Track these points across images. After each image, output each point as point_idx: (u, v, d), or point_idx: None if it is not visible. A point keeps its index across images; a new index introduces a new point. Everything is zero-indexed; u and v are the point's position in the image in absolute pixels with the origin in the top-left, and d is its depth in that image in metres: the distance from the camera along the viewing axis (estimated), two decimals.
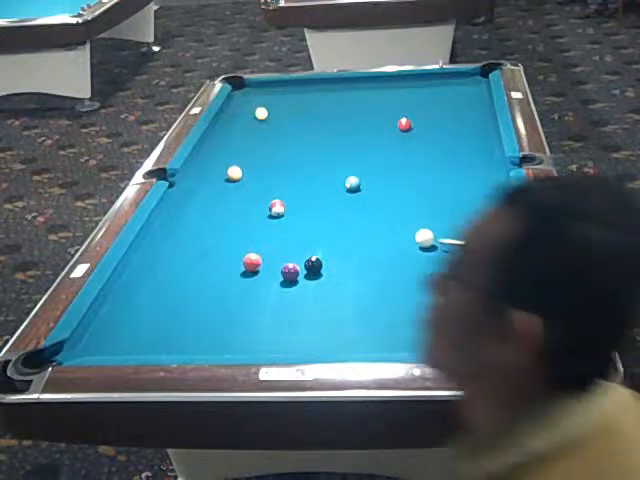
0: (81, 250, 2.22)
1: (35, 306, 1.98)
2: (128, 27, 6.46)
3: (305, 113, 3.28)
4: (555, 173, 2.41)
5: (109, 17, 5.66)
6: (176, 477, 2.49)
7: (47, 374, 1.69)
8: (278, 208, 2.38)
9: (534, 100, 3.03)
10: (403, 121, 2.95)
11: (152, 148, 3.00)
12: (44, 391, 1.66)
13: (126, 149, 5.24)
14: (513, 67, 3.36)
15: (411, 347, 1.73)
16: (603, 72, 5.78)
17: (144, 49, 7.20)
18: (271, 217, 2.38)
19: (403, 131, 2.94)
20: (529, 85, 3.18)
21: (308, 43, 5.34)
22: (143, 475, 2.63)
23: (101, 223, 2.37)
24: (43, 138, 5.39)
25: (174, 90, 6.25)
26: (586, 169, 4.40)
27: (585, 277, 0.76)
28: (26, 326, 1.88)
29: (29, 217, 4.33)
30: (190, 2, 8.65)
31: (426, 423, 1.63)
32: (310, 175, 2.69)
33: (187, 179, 2.68)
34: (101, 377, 1.70)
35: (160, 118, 5.69)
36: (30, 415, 1.70)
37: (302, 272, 2.06)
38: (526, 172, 2.39)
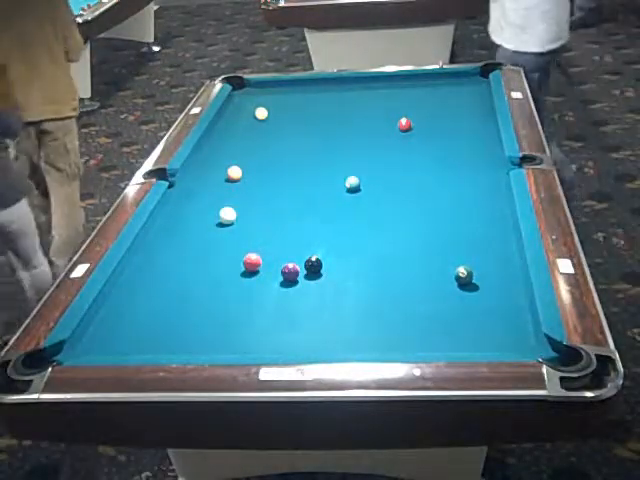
0: (81, 250, 2.22)
1: (35, 306, 1.98)
2: (128, 27, 6.46)
3: (305, 113, 3.28)
4: (555, 173, 2.41)
5: (109, 17, 5.66)
6: (176, 477, 2.49)
7: (47, 374, 1.69)
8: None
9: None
10: (403, 121, 2.95)
11: (152, 148, 3.01)
12: (44, 391, 1.66)
13: (126, 149, 5.25)
14: (513, 67, 3.36)
15: (411, 347, 1.75)
16: (603, 72, 5.78)
17: (144, 49, 7.21)
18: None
19: (403, 131, 2.94)
20: None
21: (308, 43, 5.34)
22: (143, 475, 2.63)
23: (101, 223, 2.37)
24: None
25: (174, 90, 6.26)
26: (586, 169, 4.40)
27: None
28: (26, 326, 1.88)
29: None
30: (190, 2, 8.65)
31: (426, 423, 1.63)
32: (310, 175, 2.69)
33: (187, 179, 2.68)
34: (101, 377, 1.70)
35: (160, 118, 5.70)
36: (30, 415, 1.70)
37: (302, 272, 2.06)
38: (526, 172, 2.39)
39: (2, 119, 2.87)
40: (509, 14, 3.41)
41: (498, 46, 3.56)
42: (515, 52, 3.40)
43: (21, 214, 3.00)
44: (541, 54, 3.41)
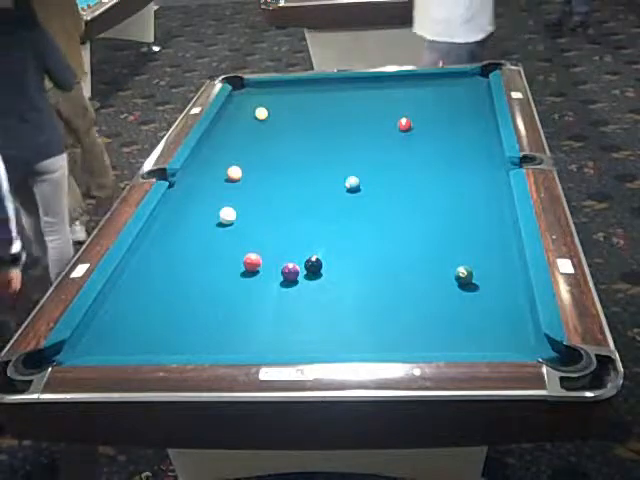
0: (81, 250, 2.22)
1: (35, 306, 1.98)
2: (128, 27, 6.47)
3: (305, 113, 3.28)
4: (555, 173, 2.41)
5: (109, 17, 5.66)
6: (176, 477, 2.49)
7: (47, 374, 1.69)
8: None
9: (534, 100, 3.03)
10: (403, 121, 2.95)
11: (152, 148, 3.01)
12: (44, 391, 1.66)
13: (126, 149, 5.25)
14: (513, 67, 3.36)
15: (411, 347, 1.74)
16: (603, 72, 5.78)
17: (144, 49, 7.21)
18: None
19: (403, 131, 2.94)
20: (529, 85, 3.18)
21: (308, 43, 5.34)
22: (143, 475, 2.63)
23: (101, 223, 2.37)
24: None
25: (174, 90, 6.26)
26: (586, 169, 4.40)
27: None
28: (26, 326, 1.88)
29: None
30: (190, 2, 8.66)
31: (426, 423, 1.63)
32: (310, 175, 2.69)
33: (187, 179, 2.68)
34: (101, 377, 1.70)
35: (160, 118, 5.70)
36: (30, 415, 1.70)
37: (302, 272, 2.06)
38: (526, 172, 2.39)
39: (68, 72, 3.36)
40: (458, 10, 3.84)
41: (432, 42, 3.95)
42: (460, 44, 3.86)
43: (64, 165, 3.27)
44: (482, 40, 3.89)
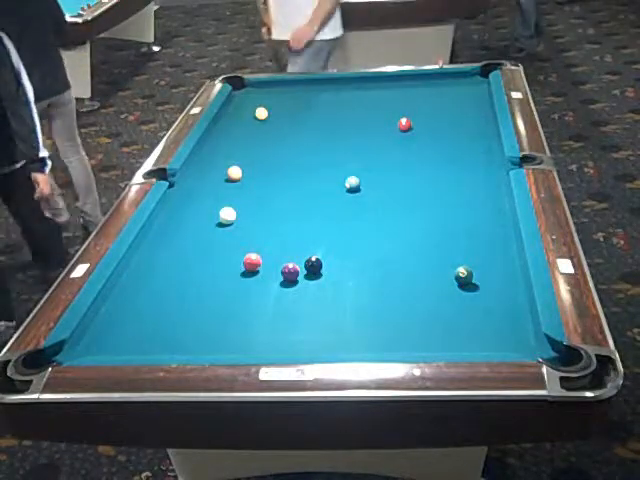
0: (81, 250, 2.22)
1: (35, 306, 1.98)
2: (128, 27, 6.46)
3: (305, 113, 3.28)
4: (555, 173, 2.41)
5: (109, 17, 5.66)
6: (176, 477, 2.49)
7: (47, 374, 1.69)
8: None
9: (534, 100, 3.03)
10: (403, 121, 2.95)
11: (152, 148, 3.01)
12: (44, 391, 1.66)
13: (126, 149, 5.25)
14: (513, 67, 3.36)
15: (411, 347, 1.74)
16: (603, 72, 5.78)
17: (144, 49, 7.21)
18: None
19: (403, 131, 2.94)
20: (529, 85, 3.19)
21: None
22: (143, 475, 2.63)
23: (101, 223, 2.37)
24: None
25: (174, 90, 6.26)
26: (586, 169, 4.40)
27: None
28: (26, 326, 1.88)
29: None
30: (190, 2, 8.66)
31: (426, 423, 1.63)
32: (310, 175, 2.69)
33: (187, 179, 2.68)
34: (101, 377, 1.70)
35: (160, 118, 5.70)
36: (30, 415, 1.70)
37: (302, 272, 2.06)
38: (526, 172, 2.39)
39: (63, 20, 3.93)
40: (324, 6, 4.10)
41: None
42: (328, 40, 4.16)
43: (73, 95, 3.92)
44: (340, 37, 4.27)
